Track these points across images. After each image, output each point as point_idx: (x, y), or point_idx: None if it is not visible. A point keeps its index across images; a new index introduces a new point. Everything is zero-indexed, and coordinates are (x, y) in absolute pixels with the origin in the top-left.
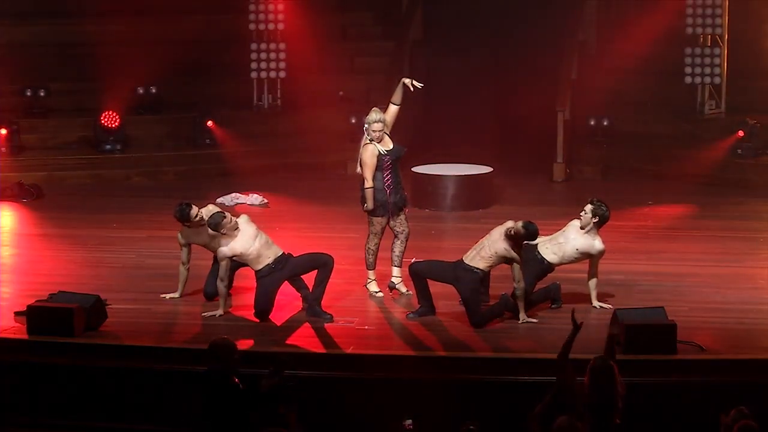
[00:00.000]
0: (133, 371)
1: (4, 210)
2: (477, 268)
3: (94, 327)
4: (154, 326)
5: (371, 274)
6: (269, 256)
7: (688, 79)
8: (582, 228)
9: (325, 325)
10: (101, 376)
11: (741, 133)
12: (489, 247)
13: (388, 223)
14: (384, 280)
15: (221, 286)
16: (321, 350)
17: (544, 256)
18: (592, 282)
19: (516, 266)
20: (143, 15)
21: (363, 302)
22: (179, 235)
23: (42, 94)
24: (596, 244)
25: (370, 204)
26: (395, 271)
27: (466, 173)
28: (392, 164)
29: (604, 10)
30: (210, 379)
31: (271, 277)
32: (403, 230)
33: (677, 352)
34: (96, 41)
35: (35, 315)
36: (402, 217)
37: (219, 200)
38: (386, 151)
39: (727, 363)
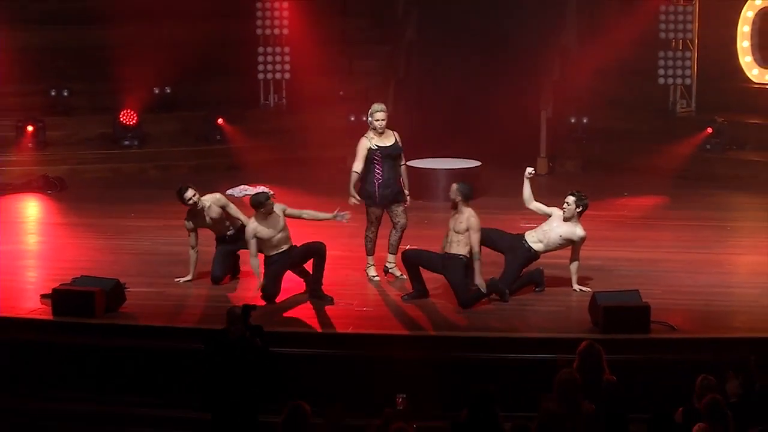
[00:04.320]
0: (149, 349)
1: (31, 201)
2: (461, 255)
3: (114, 309)
4: (168, 308)
5: (370, 259)
6: (283, 246)
7: (661, 80)
8: (566, 218)
9: (326, 307)
10: (120, 354)
11: (710, 130)
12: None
13: (383, 213)
14: (382, 265)
15: (254, 262)
16: (322, 330)
17: (531, 245)
18: (574, 266)
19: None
20: (158, 20)
21: (362, 286)
22: (185, 222)
23: (65, 93)
24: (578, 231)
25: (350, 188)
26: (390, 257)
27: (456, 167)
28: (383, 159)
29: (584, 16)
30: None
31: (278, 264)
32: (399, 221)
33: (651, 332)
34: (115, 45)
35: (59, 298)
36: (400, 209)
37: (228, 192)
38: (377, 146)
39: (696, 341)
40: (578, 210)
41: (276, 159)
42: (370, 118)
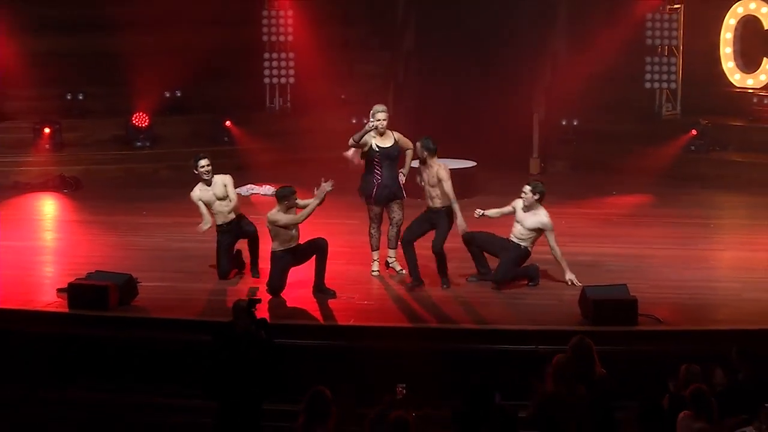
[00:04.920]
0: (160, 341)
1: (48, 199)
2: (523, 245)
3: (127, 302)
4: (178, 301)
5: (375, 255)
6: (292, 244)
7: (648, 85)
8: (526, 207)
9: (329, 300)
10: (132, 345)
11: (694, 132)
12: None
13: (382, 210)
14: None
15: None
16: (324, 322)
17: (519, 243)
18: (557, 254)
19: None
20: (169, 27)
21: (363, 280)
22: (192, 193)
23: (80, 97)
24: (542, 218)
25: (350, 141)
26: (390, 252)
27: (452, 167)
28: (383, 160)
29: (574, 24)
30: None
31: (284, 260)
32: (395, 217)
33: (638, 324)
34: (128, 50)
35: (75, 291)
36: (396, 206)
37: (236, 190)
38: (378, 147)
39: (681, 333)
40: (536, 198)
41: (281, 159)
42: (372, 119)
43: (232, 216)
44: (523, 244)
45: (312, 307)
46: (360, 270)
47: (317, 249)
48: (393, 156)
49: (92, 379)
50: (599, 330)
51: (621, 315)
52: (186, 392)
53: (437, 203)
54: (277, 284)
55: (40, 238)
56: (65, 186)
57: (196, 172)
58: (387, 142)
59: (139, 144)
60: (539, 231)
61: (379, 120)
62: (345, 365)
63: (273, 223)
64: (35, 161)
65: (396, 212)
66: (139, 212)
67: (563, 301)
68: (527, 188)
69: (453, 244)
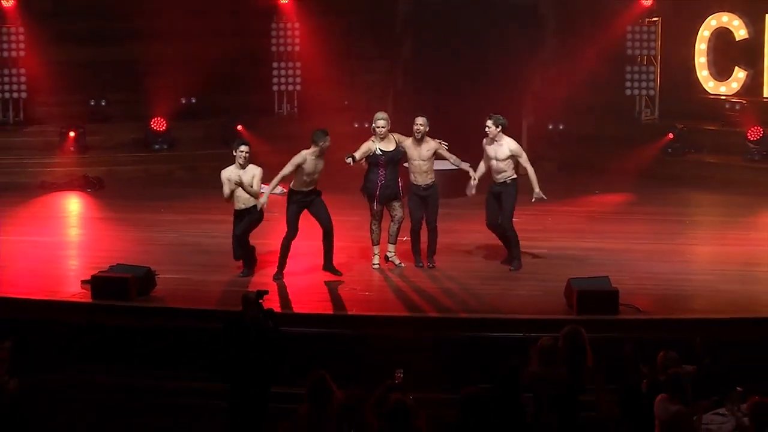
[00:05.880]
0: (176, 329)
1: (72, 198)
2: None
3: (145, 293)
4: (192, 292)
5: (375, 249)
6: (311, 187)
7: (628, 91)
8: (492, 140)
9: (331, 291)
10: (150, 332)
11: (671, 136)
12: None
13: (383, 209)
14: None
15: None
16: (328, 312)
17: (503, 182)
18: (531, 174)
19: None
20: (185, 39)
21: (364, 272)
22: (222, 172)
23: (103, 103)
24: (510, 144)
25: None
26: (390, 247)
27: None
28: (386, 163)
29: (560, 35)
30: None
31: (298, 204)
32: (396, 214)
33: (619, 313)
34: (147, 60)
35: (98, 283)
36: (397, 204)
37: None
38: (381, 151)
39: (660, 322)
40: (499, 129)
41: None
42: (373, 125)
43: (251, 204)
44: (506, 178)
45: (316, 297)
46: (361, 263)
47: (326, 224)
48: (395, 159)
49: (113, 364)
50: (583, 319)
51: (603, 305)
52: (200, 376)
53: (430, 179)
54: (291, 234)
55: (66, 234)
56: (89, 185)
57: (234, 154)
58: (389, 146)
59: (157, 147)
60: (512, 157)
61: (379, 127)
62: (347, 352)
63: (300, 165)
64: (61, 162)
65: (397, 210)
66: (157, 210)
67: (550, 292)
68: (489, 122)
69: (447, 238)
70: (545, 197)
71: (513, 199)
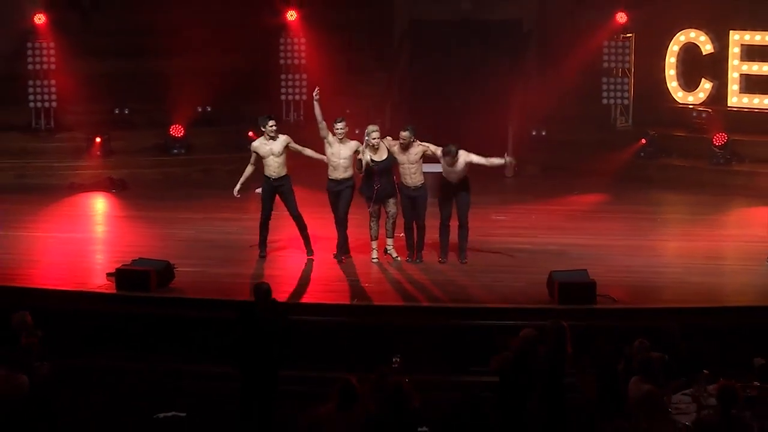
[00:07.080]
0: (194, 318)
1: (98, 198)
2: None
3: (165, 284)
4: (208, 284)
5: (373, 244)
6: (344, 174)
7: (605, 101)
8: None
9: (334, 282)
10: (170, 321)
11: (643, 141)
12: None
13: (380, 207)
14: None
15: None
16: (330, 301)
17: (454, 177)
18: (487, 161)
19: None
20: (202, 53)
21: (364, 265)
22: (252, 144)
23: (126, 112)
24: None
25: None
26: (388, 241)
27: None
28: (380, 171)
29: (542, 50)
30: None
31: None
32: (390, 210)
33: (596, 303)
34: (167, 72)
35: (121, 275)
36: (391, 202)
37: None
38: (374, 161)
39: (633, 311)
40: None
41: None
42: (366, 138)
43: (282, 173)
44: (458, 173)
45: (320, 288)
46: (362, 257)
47: (291, 212)
48: (388, 167)
49: (135, 350)
50: (563, 308)
51: (582, 295)
52: (215, 361)
53: (419, 179)
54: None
55: (92, 231)
56: (113, 187)
57: (263, 130)
58: (382, 155)
59: (175, 151)
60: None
61: (373, 138)
62: (349, 338)
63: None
64: (88, 165)
65: (391, 207)
66: (176, 209)
67: (533, 284)
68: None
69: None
70: (513, 160)
71: (466, 196)
